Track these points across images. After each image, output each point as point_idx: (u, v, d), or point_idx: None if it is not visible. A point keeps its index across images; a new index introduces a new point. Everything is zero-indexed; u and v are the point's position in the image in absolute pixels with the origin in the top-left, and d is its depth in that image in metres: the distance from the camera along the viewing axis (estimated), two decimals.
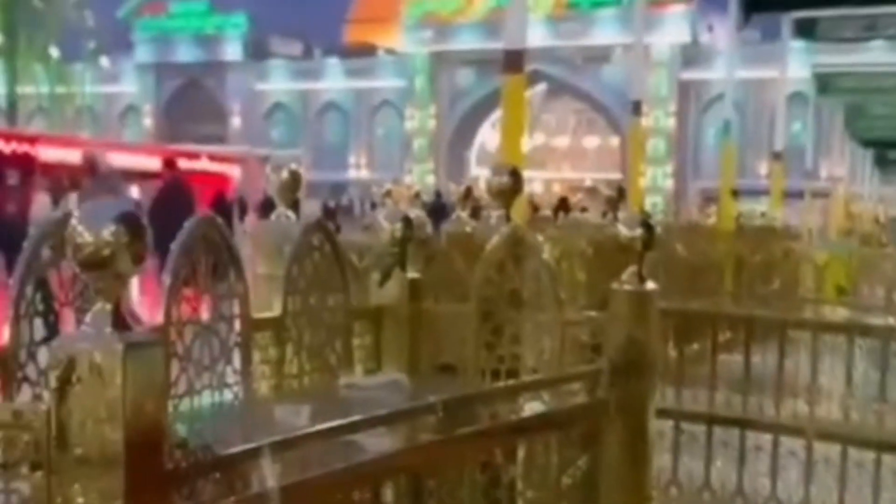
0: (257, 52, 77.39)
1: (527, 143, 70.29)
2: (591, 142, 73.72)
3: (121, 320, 2.25)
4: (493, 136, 75.19)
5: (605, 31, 65.36)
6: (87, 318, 2.29)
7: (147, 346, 2.24)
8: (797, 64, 59.48)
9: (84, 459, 2.19)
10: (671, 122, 64.34)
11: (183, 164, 37.43)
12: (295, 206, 4.30)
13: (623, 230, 4.02)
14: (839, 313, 10.57)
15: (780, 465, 6.47)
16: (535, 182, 72.70)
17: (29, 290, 3.21)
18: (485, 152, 74.07)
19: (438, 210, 25.37)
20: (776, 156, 15.42)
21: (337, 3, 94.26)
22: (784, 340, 6.46)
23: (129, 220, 2.32)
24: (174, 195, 20.72)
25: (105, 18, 65.55)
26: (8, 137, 31.45)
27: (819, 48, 15.22)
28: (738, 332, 6.93)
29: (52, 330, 2.96)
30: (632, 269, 3.94)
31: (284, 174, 4.23)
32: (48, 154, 31.54)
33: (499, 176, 4.70)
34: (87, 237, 2.30)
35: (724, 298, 10.99)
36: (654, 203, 56.04)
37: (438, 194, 34.13)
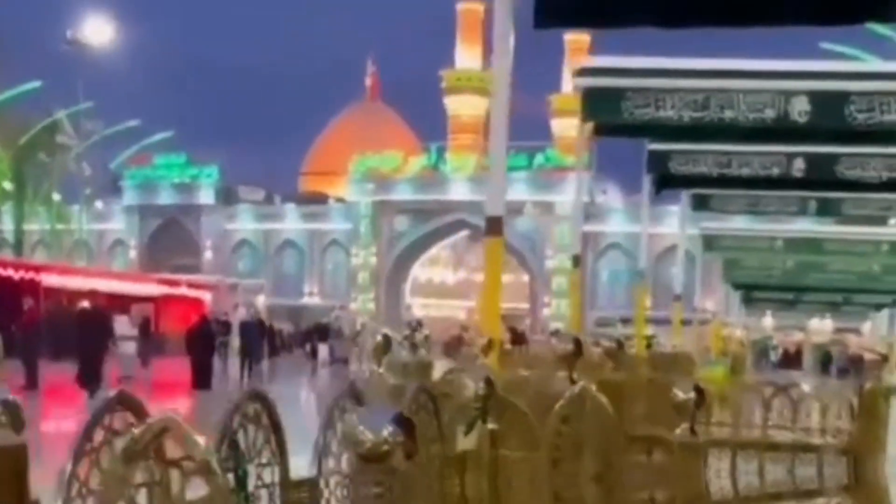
0: (227, 197, 77.90)
1: (452, 278, 71.14)
2: (506, 278, 74.61)
3: None
4: (424, 271, 76.73)
5: (518, 190, 67.00)
6: None
7: None
8: (671, 223, 61.94)
9: None
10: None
11: (165, 289, 38.34)
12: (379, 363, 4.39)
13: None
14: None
15: None
16: (460, 310, 74.02)
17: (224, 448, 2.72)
18: (418, 284, 75.10)
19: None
20: (676, 297, 16.89)
21: (294, 158, 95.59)
22: None
23: (403, 422, 2.34)
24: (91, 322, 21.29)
25: (100, 168, 66.64)
26: (17, 266, 32.24)
27: (706, 216, 16.51)
28: None
29: (241, 483, 2.67)
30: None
31: (378, 337, 4.43)
32: (50, 280, 32.35)
33: (563, 343, 4.94)
34: (368, 435, 2.31)
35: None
36: (557, 327, 57.17)
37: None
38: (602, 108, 9.93)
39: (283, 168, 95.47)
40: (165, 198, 78.16)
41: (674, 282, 18.73)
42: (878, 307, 31.83)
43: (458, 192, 70.53)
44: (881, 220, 16.25)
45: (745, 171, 12.22)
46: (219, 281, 50.29)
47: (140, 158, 76.86)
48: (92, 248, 72.39)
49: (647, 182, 12.94)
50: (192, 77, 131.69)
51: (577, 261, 11.90)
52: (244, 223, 77.82)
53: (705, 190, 14.50)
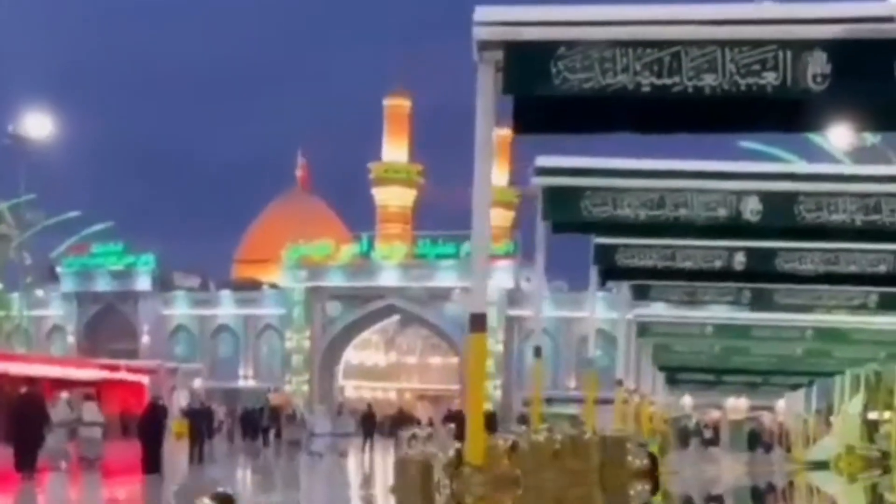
0: (164, 284, 76.93)
1: (384, 361, 70.87)
2: (436, 360, 74.76)
3: None
4: (356, 354, 76.21)
5: (446, 276, 67.43)
6: None
7: None
8: (600, 308, 62.44)
9: None
10: (500, 347, 66.25)
11: (106, 373, 37.68)
12: None
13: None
14: None
15: None
16: (391, 391, 73.78)
17: None
18: (350, 367, 74.63)
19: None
20: (619, 382, 16.81)
21: (227, 245, 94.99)
22: None
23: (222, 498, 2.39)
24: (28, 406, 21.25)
25: (40, 257, 65.96)
26: None
27: (638, 303, 16.57)
28: None
29: None
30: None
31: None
32: None
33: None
34: None
35: None
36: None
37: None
38: (561, 206, 9.93)
39: (218, 255, 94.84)
40: (103, 285, 77.19)
41: (616, 366, 18.73)
42: (795, 387, 32.08)
43: (389, 278, 70.43)
44: (810, 309, 16.40)
45: (688, 265, 12.29)
46: (158, 365, 49.60)
47: (79, 247, 76.12)
48: (31, 334, 71.12)
49: (593, 273, 12.91)
50: (130, 167, 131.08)
51: (538, 351, 11.81)
52: (180, 309, 76.94)
53: (646, 281, 14.54)
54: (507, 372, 66.72)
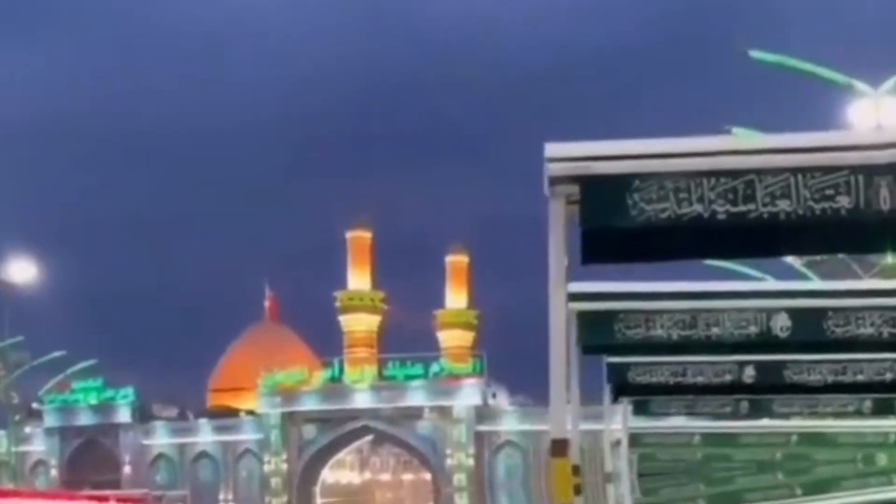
0: (143, 415, 76.11)
1: (359, 479, 69.90)
2: (408, 477, 74.06)
3: None
4: (332, 474, 75.24)
5: (416, 396, 67.15)
6: None
7: None
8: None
9: None
10: (471, 461, 65.52)
11: None
12: None
13: None
14: None
15: None
16: None
17: None
18: (326, 487, 73.57)
19: None
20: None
21: (202, 375, 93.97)
22: None
23: None
24: None
25: (31, 395, 65.10)
26: None
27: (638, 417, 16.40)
28: None
29: None
30: None
31: None
32: None
33: None
34: None
35: None
36: None
37: None
38: (594, 330, 9.68)
39: (193, 385, 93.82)
40: (84, 419, 76.22)
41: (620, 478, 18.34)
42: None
43: (360, 400, 69.91)
44: (803, 416, 16.16)
45: (699, 380, 12.04)
46: (145, 494, 48.77)
47: (61, 384, 75.39)
48: (16, 469, 69.73)
49: (607, 391, 12.63)
50: (109, 307, 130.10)
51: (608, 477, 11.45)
52: (160, 438, 76.03)
53: (650, 396, 14.27)
54: (477, 484, 65.89)
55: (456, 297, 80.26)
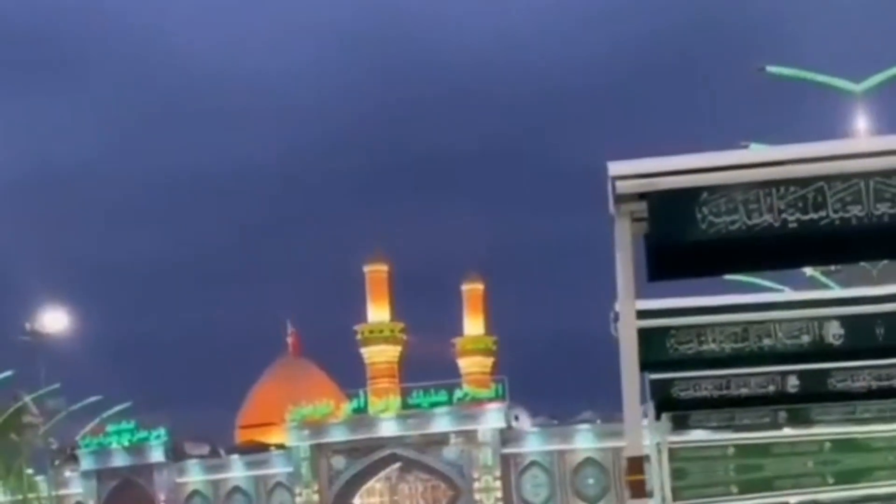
0: (176, 454, 75.96)
1: None
2: (437, 501, 73.86)
3: None
4: (362, 503, 74.88)
5: (441, 423, 67.13)
6: None
7: None
8: (586, 440, 62.38)
9: None
10: (498, 483, 65.34)
11: None
12: None
13: None
14: None
15: None
16: None
17: None
18: None
19: None
20: None
21: (230, 413, 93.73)
22: None
23: None
24: None
25: (68, 439, 65.13)
26: None
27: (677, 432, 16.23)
28: None
29: None
30: None
31: None
32: None
33: None
34: None
35: None
36: None
37: None
38: (647, 347, 9.46)
39: (222, 423, 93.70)
40: (119, 460, 76.18)
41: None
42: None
43: (387, 429, 69.78)
44: (841, 423, 15.92)
45: (743, 391, 11.83)
46: None
47: (97, 429, 75.52)
48: None
49: (650, 408, 12.40)
50: (141, 352, 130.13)
51: None
52: (194, 476, 75.93)
53: (691, 411, 14.03)
54: None
55: (473, 324, 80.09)
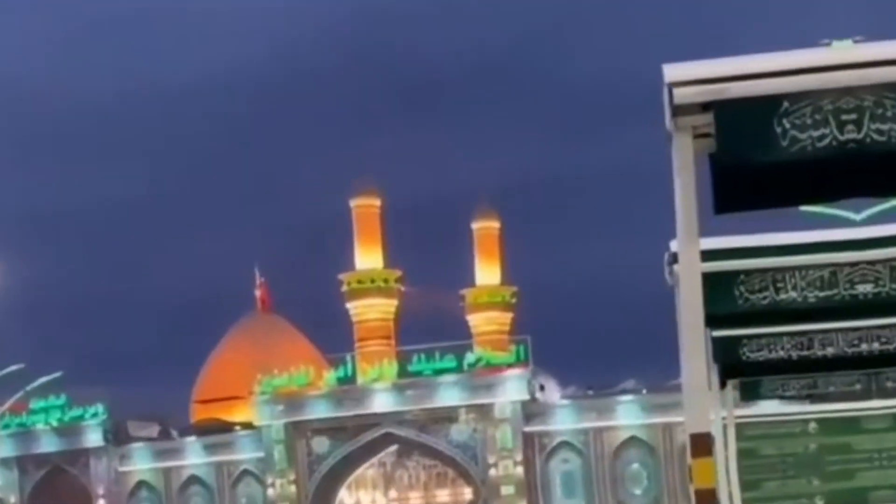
0: (117, 436, 76.43)
1: (382, 500, 70.35)
2: (443, 495, 74.32)
3: None
4: (350, 495, 75.29)
5: (448, 395, 67.30)
6: None
7: None
8: (630, 415, 62.68)
9: None
10: (520, 470, 65.80)
11: None
12: None
13: None
14: None
15: None
16: None
17: None
18: None
19: None
20: None
21: (185, 385, 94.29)
22: None
23: None
24: None
25: None
26: None
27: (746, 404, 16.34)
28: None
29: None
30: None
31: None
32: None
33: None
34: None
35: None
36: None
37: None
38: (711, 298, 9.52)
39: (175, 397, 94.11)
40: (47, 445, 76.65)
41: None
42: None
43: (380, 403, 69.89)
44: None
45: (830, 352, 11.91)
46: None
47: (17, 406, 75.81)
48: None
49: (713, 375, 12.48)
50: (73, 311, 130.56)
51: None
52: (139, 463, 76.47)
53: (763, 377, 14.15)
54: (530, 498, 66.23)
55: (487, 272, 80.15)
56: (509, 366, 66.92)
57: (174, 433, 79.28)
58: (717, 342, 12.09)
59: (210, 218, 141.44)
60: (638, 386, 66.58)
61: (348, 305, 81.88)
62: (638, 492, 64.11)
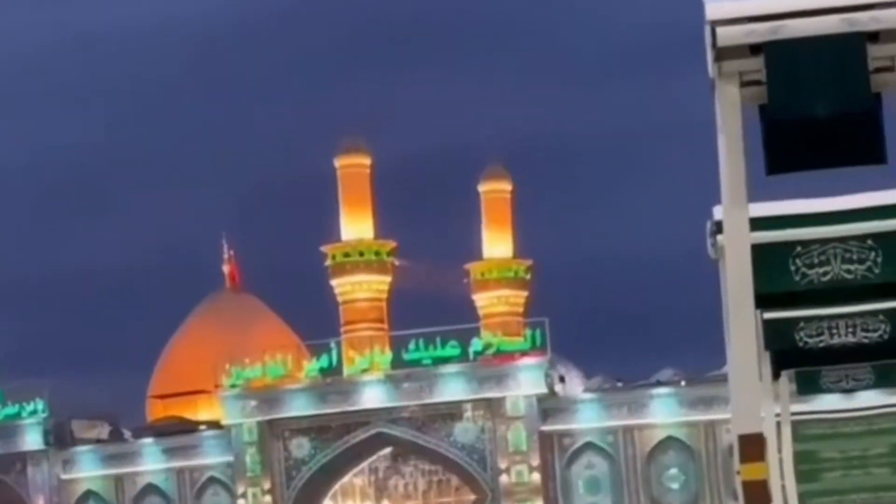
0: (60, 438, 76.68)
1: None
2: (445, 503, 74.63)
3: None
4: None
5: (451, 387, 67.42)
6: None
7: None
8: (666, 411, 62.85)
9: None
10: (536, 476, 66.14)
11: None
12: None
13: None
14: None
15: None
16: None
17: None
18: None
19: None
20: None
21: (140, 378, 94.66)
22: None
23: None
24: None
25: None
26: None
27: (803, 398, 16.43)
28: None
29: None
30: None
31: None
32: None
33: None
34: None
35: None
36: None
37: None
38: (762, 274, 9.63)
39: (128, 392, 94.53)
40: None
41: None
42: None
43: (370, 398, 70.14)
44: None
45: None
46: None
47: None
48: None
49: (765, 363, 12.60)
50: (8, 288, 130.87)
51: None
52: (86, 470, 76.84)
53: (823, 367, 14.30)
54: None
55: (497, 243, 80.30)
56: (523, 353, 67.16)
57: (127, 434, 79.50)
58: (768, 325, 12.15)
59: (169, 177, 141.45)
60: (675, 377, 66.70)
61: (333, 283, 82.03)
62: (675, 501, 64.39)
